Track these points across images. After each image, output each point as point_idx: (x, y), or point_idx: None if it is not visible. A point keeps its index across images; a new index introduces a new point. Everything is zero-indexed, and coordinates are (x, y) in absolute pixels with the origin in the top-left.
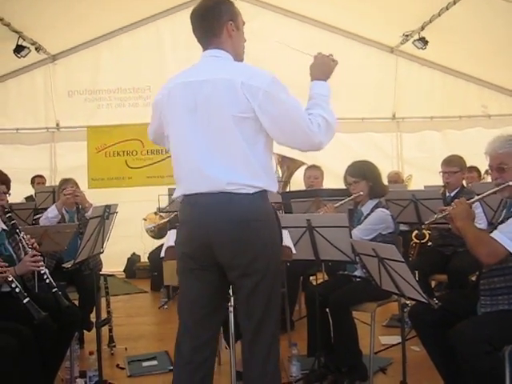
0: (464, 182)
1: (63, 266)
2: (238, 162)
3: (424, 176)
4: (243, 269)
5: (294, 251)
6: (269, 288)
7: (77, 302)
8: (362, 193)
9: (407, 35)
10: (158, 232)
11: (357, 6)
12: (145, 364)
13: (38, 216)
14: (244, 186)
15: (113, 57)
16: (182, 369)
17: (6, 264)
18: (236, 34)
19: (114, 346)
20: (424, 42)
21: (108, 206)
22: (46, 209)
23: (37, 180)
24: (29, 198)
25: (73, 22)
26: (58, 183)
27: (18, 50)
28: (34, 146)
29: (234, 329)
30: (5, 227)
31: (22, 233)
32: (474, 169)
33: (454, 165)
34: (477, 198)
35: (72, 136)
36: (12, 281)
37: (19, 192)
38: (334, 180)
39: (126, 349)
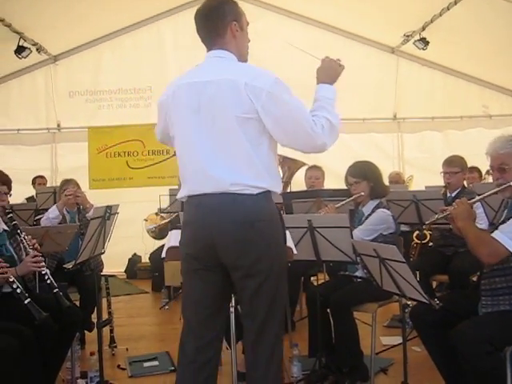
0: (465, 183)
1: (64, 266)
2: (241, 162)
3: (425, 176)
4: (246, 269)
5: (295, 252)
6: (272, 289)
7: (78, 303)
8: (362, 193)
9: (408, 35)
10: (159, 232)
11: (358, 7)
12: (146, 364)
13: (39, 217)
14: (248, 186)
15: (114, 57)
16: (185, 368)
17: (7, 265)
18: (240, 35)
19: (115, 347)
20: (425, 42)
21: (109, 207)
22: (47, 209)
23: (38, 181)
24: (30, 199)
25: (74, 23)
26: (59, 184)
27: (19, 50)
28: (35, 147)
29: (234, 329)
30: (6, 228)
31: (23, 233)
32: (475, 169)
33: (455, 165)
34: (478, 198)
35: (73, 137)
36: (13, 281)
37: (20, 193)
38: (334, 180)
39: (127, 349)
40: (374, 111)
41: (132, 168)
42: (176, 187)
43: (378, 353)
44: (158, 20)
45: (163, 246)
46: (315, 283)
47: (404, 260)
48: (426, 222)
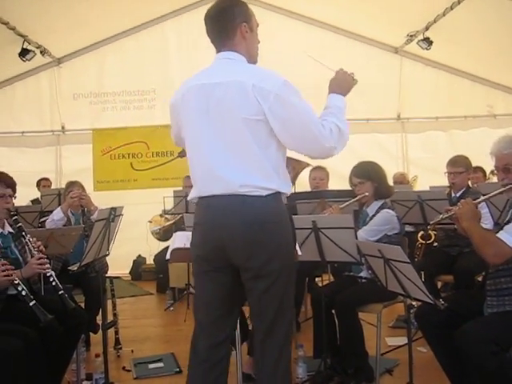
0: (469, 183)
1: (69, 268)
2: (250, 164)
3: (429, 176)
4: (256, 271)
5: (299, 252)
6: (282, 289)
7: (83, 305)
8: (367, 194)
9: (411, 35)
10: (164, 234)
11: (361, 7)
12: (151, 366)
13: (43, 219)
14: (257, 188)
15: (117, 60)
16: (197, 367)
17: (13, 267)
18: (250, 36)
19: (120, 349)
20: (428, 42)
21: (113, 209)
22: (51, 211)
23: (42, 183)
24: (35, 201)
25: (77, 25)
26: (63, 186)
27: (23, 53)
28: (39, 149)
29: (240, 330)
30: (11, 230)
31: (28, 235)
32: (480, 169)
33: (459, 165)
34: (483, 198)
35: (77, 139)
36: (18, 283)
37: (25, 195)
38: (339, 181)
39: (132, 351)
40: (378, 111)
41: (136, 170)
42: (180, 188)
43: (383, 353)
44: (161, 22)
45: (168, 247)
46: (320, 284)
47: (408, 260)
48: (431, 222)
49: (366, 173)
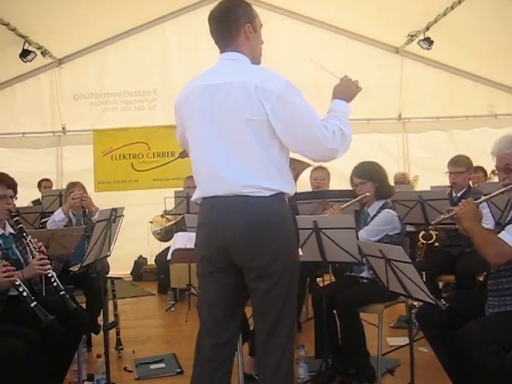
0: (470, 183)
1: (70, 269)
2: (253, 164)
3: (430, 176)
4: (260, 271)
5: (300, 253)
6: (285, 289)
7: (84, 305)
8: (368, 194)
9: (412, 35)
10: (165, 235)
11: (361, 7)
12: (152, 367)
13: (45, 219)
14: (260, 188)
15: (118, 60)
16: (201, 367)
17: (14, 268)
18: (253, 37)
19: (122, 349)
20: (429, 42)
21: (114, 210)
22: (52, 212)
23: (43, 184)
24: (36, 202)
25: (78, 26)
26: (64, 187)
27: (24, 54)
28: (40, 150)
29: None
30: (12, 231)
31: (29, 236)
32: (480, 169)
33: (460, 165)
34: (484, 198)
35: (78, 139)
36: (19, 284)
37: (26, 196)
38: (340, 181)
39: (133, 352)
40: (379, 111)
41: (137, 170)
42: (181, 189)
43: (384, 354)
44: (162, 22)
45: (169, 248)
46: (321, 284)
47: (410, 260)
48: (432, 223)
49: (367, 173)
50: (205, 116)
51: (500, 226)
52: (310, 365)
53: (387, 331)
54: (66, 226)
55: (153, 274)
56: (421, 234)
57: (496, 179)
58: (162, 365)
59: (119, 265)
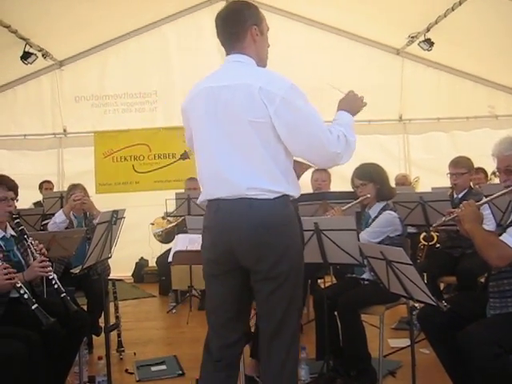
0: (471, 184)
1: (71, 271)
2: (257, 167)
3: (431, 178)
4: (265, 273)
5: None
6: (290, 290)
7: (85, 307)
8: (369, 195)
9: (413, 37)
10: (166, 236)
11: (362, 8)
12: (154, 369)
13: (46, 221)
14: (264, 191)
15: (119, 62)
16: (210, 366)
17: (15, 270)
18: (260, 39)
19: (123, 351)
20: (430, 43)
21: (115, 212)
22: (54, 214)
23: (45, 185)
24: (37, 204)
25: (79, 28)
26: (65, 189)
27: (25, 56)
28: (41, 152)
29: None
30: (13, 233)
31: (30, 238)
32: (481, 170)
33: (461, 166)
34: (485, 200)
35: (79, 141)
36: (20, 287)
37: (27, 198)
38: (341, 183)
39: (134, 353)
40: (380, 113)
41: (138, 172)
42: (182, 191)
43: (385, 355)
44: (163, 24)
45: (170, 249)
46: (322, 286)
47: (411, 262)
48: (434, 225)
49: (368, 174)
50: (209, 118)
51: (501, 227)
52: (312, 366)
53: (388, 333)
54: (67, 228)
55: (154, 276)
56: (422, 236)
57: (497, 180)
58: (164, 367)
59: (120, 267)
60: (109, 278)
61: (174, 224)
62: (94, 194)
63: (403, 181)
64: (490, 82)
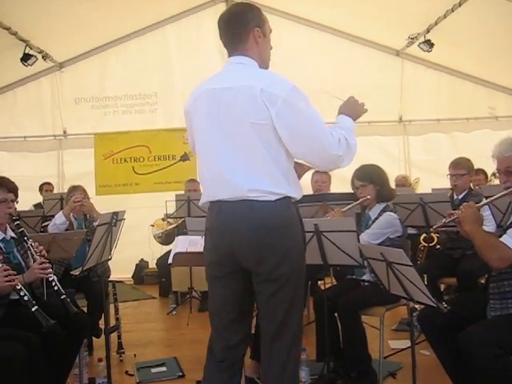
0: (471, 185)
1: (71, 273)
2: (259, 168)
3: (431, 179)
4: (267, 275)
5: None
6: (291, 292)
7: (85, 309)
8: (369, 197)
9: (413, 38)
10: (166, 238)
11: (362, 9)
12: (154, 370)
13: (46, 223)
14: (265, 193)
15: (119, 64)
16: (213, 367)
17: (15, 272)
18: (262, 41)
19: (123, 353)
20: (429, 44)
21: (115, 213)
22: (54, 216)
23: (45, 187)
24: (37, 206)
25: (79, 30)
26: (65, 190)
27: (25, 58)
28: (41, 154)
29: None
30: (13, 235)
31: (31, 240)
32: (481, 171)
33: (461, 167)
34: (485, 201)
35: (79, 143)
36: (20, 289)
37: (27, 199)
38: (341, 184)
39: (134, 355)
40: (380, 114)
41: (138, 174)
42: (182, 192)
43: (386, 357)
44: (163, 26)
45: (170, 251)
46: (322, 287)
47: (411, 263)
48: (434, 227)
49: (368, 175)
50: (211, 120)
51: (501, 228)
52: (312, 368)
53: (389, 334)
54: (67, 230)
55: (154, 278)
56: (422, 237)
57: (497, 181)
58: (164, 368)
59: (120, 268)
60: (109, 279)
61: (174, 226)
62: (94, 196)
63: (403, 182)
64: (490, 83)
